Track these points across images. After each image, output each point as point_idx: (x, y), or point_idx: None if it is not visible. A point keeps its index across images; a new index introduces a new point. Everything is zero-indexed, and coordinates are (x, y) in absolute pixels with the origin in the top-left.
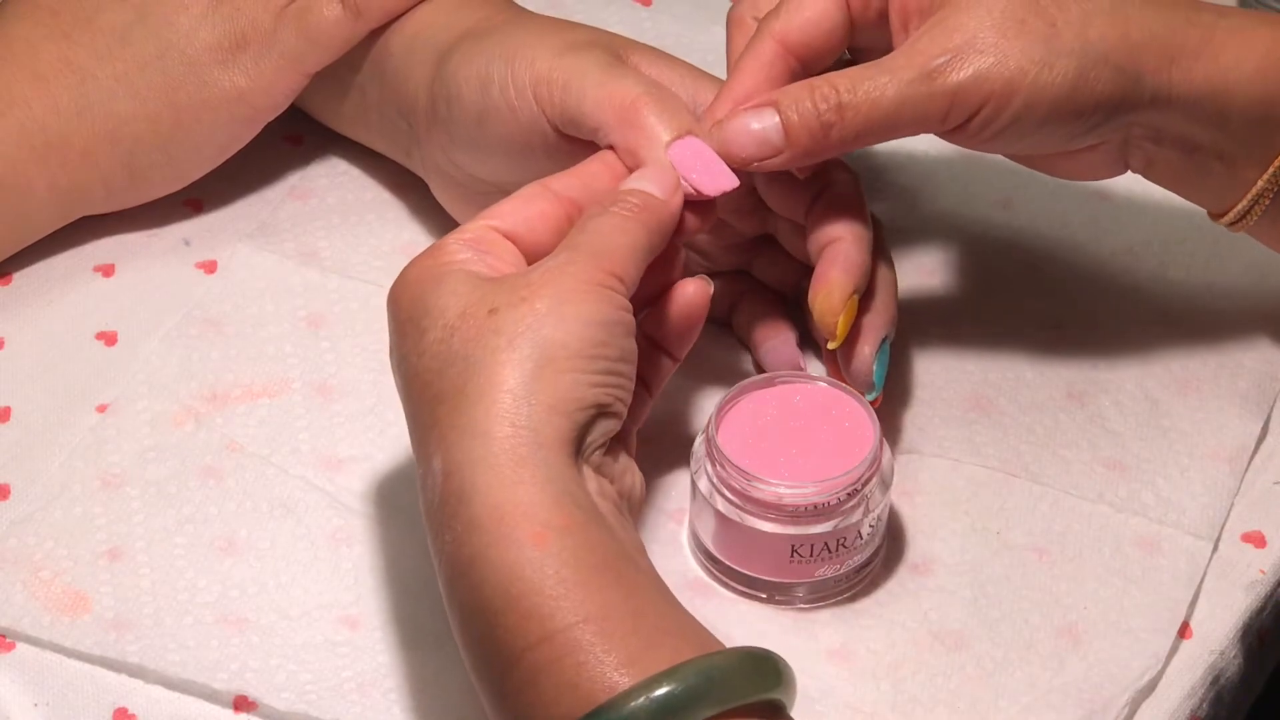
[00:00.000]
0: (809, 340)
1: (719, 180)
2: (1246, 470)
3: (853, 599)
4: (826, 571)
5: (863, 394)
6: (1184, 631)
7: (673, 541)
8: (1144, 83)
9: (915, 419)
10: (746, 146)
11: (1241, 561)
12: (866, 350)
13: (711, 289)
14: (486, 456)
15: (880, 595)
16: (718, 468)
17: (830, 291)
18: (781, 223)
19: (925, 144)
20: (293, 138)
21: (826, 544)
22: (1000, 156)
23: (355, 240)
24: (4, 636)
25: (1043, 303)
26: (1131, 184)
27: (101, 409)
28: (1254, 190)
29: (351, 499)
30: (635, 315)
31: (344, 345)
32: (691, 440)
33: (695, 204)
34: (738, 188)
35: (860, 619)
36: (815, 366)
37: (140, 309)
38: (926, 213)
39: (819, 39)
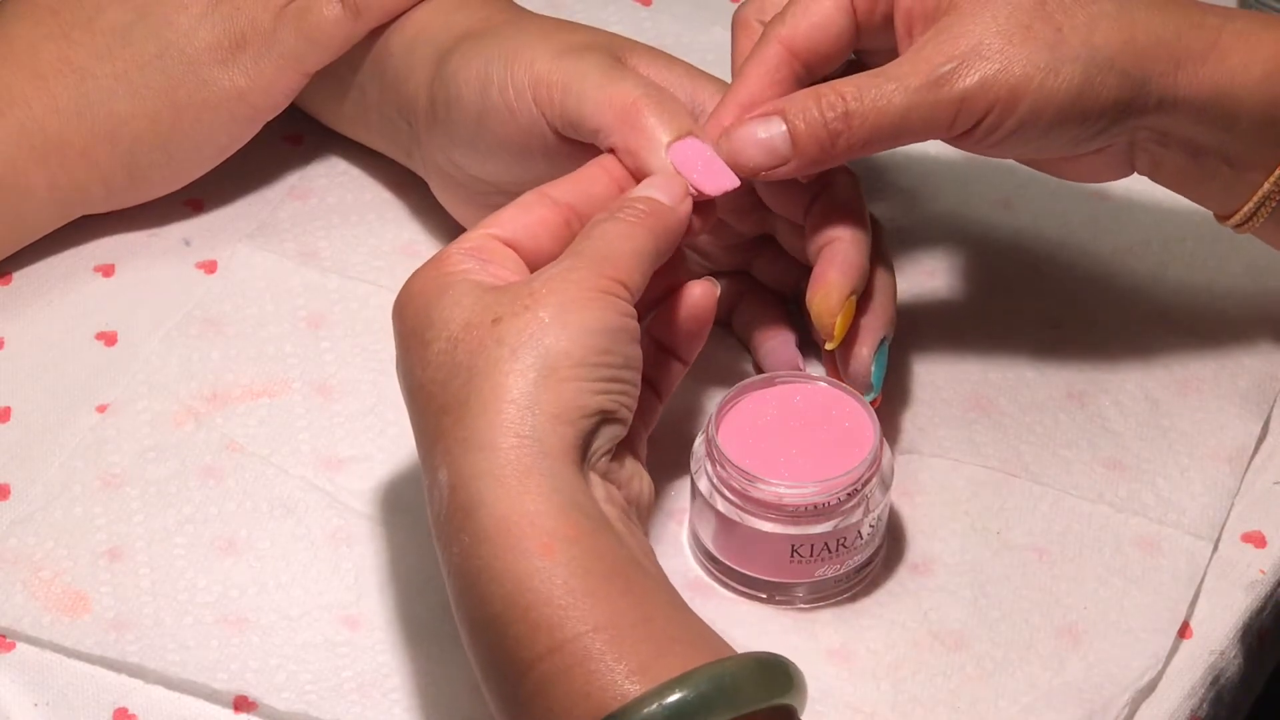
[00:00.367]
0: (809, 341)
1: (719, 180)
2: (1246, 470)
3: (853, 599)
4: (826, 571)
5: (861, 395)
6: (1184, 631)
7: (673, 542)
8: (1150, 87)
9: (915, 419)
10: (754, 156)
11: (1241, 561)
12: (864, 351)
13: (718, 290)
14: (492, 469)
15: (880, 595)
16: (718, 468)
17: (828, 292)
18: (781, 223)
19: (925, 145)
20: (293, 138)
21: (826, 544)
22: None
23: (355, 240)
24: (4, 636)
25: (1043, 303)
26: (1131, 184)
27: (101, 409)
28: (1260, 192)
29: (351, 499)
30: (640, 319)
31: (344, 345)
32: (691, 440)
33: (696, 204)
34: (738, 188)
35: (860, 619)
36: (815, 367)
37: (140, 309)
38: (926, 213)
39: (825, 44)
